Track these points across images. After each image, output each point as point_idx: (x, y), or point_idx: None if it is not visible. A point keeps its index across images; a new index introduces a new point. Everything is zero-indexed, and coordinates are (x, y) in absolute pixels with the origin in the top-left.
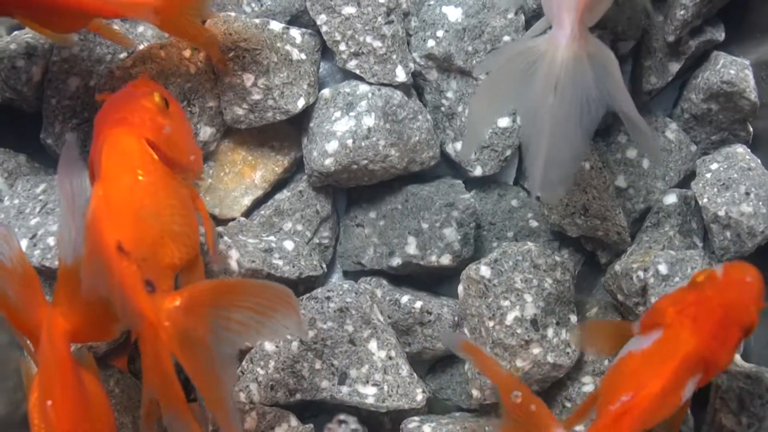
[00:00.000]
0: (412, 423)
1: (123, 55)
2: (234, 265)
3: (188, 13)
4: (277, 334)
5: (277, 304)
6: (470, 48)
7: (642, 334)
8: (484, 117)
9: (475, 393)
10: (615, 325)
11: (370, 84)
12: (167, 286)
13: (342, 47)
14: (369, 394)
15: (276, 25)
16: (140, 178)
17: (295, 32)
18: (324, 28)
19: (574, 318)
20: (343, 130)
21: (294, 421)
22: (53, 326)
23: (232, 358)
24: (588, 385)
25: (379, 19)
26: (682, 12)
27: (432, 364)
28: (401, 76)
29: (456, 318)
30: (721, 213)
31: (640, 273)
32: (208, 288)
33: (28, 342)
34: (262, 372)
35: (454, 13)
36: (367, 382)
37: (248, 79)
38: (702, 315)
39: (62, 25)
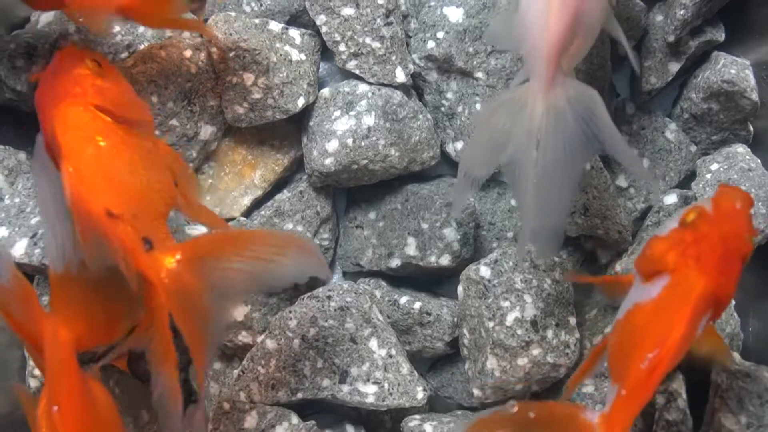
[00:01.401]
0: (413, 421)
1: (124, 55)
2: None
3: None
4: (285, 279)
5: (288, 248)
6: (471, 49)
7: (644, 283)
8: (474, 172)
9: (476, 392)
10: (610, 280)
11: (371, 84)
12: (164, 235)
13: (342, 48)
14: (369, 392)
15: (275, 26)
16: (102, 143)
17: (295, 33)
18: (324, 29)
19: (573, 320)
20: (343, 129)
21: (295, 419)
22: (56, 335)
23: (227, 311)
24: (588, 385)
25: (378, 20)
26: (682, 12)
27: (433, 362)
28: (401, 77)
29: (455, 319)
30: None
31: None
32: (212, 240)
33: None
34: (263, 371)
35: (455, 14)
36: (368, 380)
37: (248, 78)
38: (705, 253)
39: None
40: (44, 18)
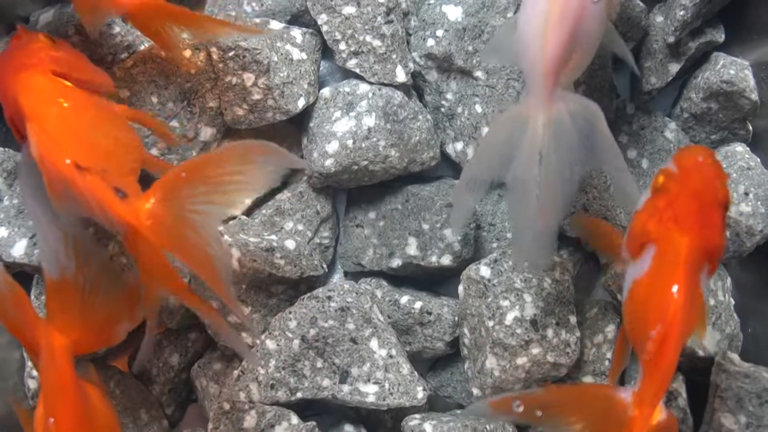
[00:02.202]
0: (413, 421)
1: (124, 56)
2: (235, 264)
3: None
4: (259, 185)
5: (257, 155)
6: (470, 47)
7: (635, 260)
8: (475, 186)
9: (476, 391)
10: (606, 230)
11: (371, 84)
12: (135, 187)
13: (342, 46)
14: (370, 392)
15: (276, 25)
16: (65, 104)
17: (296, 32)
18: (324, 28)
19: (573, 319)
20: (344, 130)
21: (295, 419)
22: (52, 342)
23: (219, 235)
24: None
25: (379, 18)
26: (681, 13)
27: (433, 362)
28: (401, 76)
29: (456, 318)
30: None
31: None
32: (177, 174)
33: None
34: (262, 371)
35: (454, 12)
36: (368, 380)
37: (248, 78)
38: (681, 212)
39: None
40: (44, 18)
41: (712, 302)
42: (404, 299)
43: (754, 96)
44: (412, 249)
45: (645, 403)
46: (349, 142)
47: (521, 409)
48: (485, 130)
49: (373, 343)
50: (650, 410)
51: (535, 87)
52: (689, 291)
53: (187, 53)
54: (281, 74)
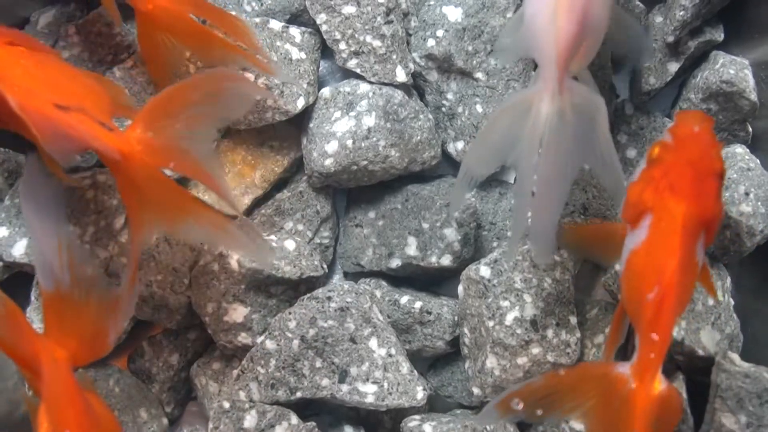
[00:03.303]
0: (413, 422)
1: (124, 56)
2: (234, 264)
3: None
4: (240, 107)
5: (225, 82)
6: (470, 48)
7: (632, 229)
8: (476, 171)
9: (476, 391)
10: (598, 228)
11: (371, 83)
12: (115, 127)
13: (342, 46)
14: (369, 392)
15: (276, 24)
16: (28, 62)
17: (295, 31)
18: (324, 27)
19: (573, 319)
20: (343, 130)
21: (294, 419)
22: (53, 356)
23: (211, 151)
24: None
25: (379, 18)
26: (681, 13)
27: (433, 362)
28: (401, 76)
29: (456, 318)
30: None
31: None
32: (156, 103)
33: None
34: (262, 371)
35: (454, 13)
36: (368, 379)
37: (248, 78)
38: (676, 181)
39: None
40: (44, 18)
41: (711, 302)
42: (404, 299)
43: (754, 96)
44: (411, 249)
45: (644, 374)
46: (349, 142)
47: (521, 406)
48: (480, 109)
49: (372, 343)
50: (650, 380)
51: (547, 75)
52: (686, 257)
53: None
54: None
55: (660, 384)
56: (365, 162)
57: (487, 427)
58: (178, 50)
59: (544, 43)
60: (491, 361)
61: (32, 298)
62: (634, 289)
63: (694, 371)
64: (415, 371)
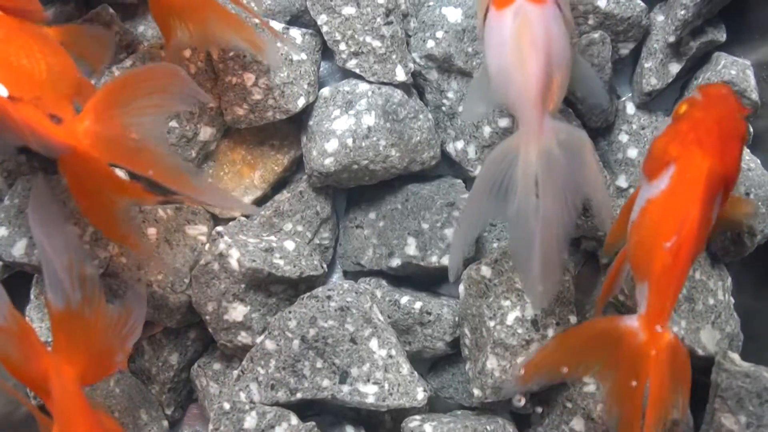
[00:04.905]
0: (414, 422)
1: (123, 55)
2: (234, 263)
3: None
4: (179, 102)
5: (167, 79)
6: (470, 49)
7: (650, 181)
8: (474, 225)
9: (477, 392)
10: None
11: (371, 83)
12: (71, 112)
13: (342, 47)
14: (370, 393)
15: (276, 25)
16: None
17: (296, 32)
18: (324, 28)
19: (573, 319)
20: (343, 128)
21: (294, 420)
22: (62, 373)
23: (163, 138)
24: (589, 385)
25: (378, 19)
26: (682, 12)
27: (433, 363)
28: (401, 75)
29: (456, 318)
30: None
31: None
32: (104, 95)
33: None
34: (262, 371)
35: (453, 14)
36: (368, 380)
37: (249, 78)
38: (704, 136)
39: None
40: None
41: (711, 302)
42: (404, 299)
43: (755, 96)
44: (411, 249)
45: (654, 324)
46: (349, 141)
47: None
48: (486, 129)
49: (373, 343)
50: (661, 329)
51: (526, 119)
52: (705, 210)
53: (187, 53)
54: (281, 74)
55: (669, 334)
56: (366, 161)
57: (488, 427)
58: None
59: (517, 88)
60: (492, 363)
61: (31, 296)
62: (648, 237)
63: (694, 371)
64: (416, 372)
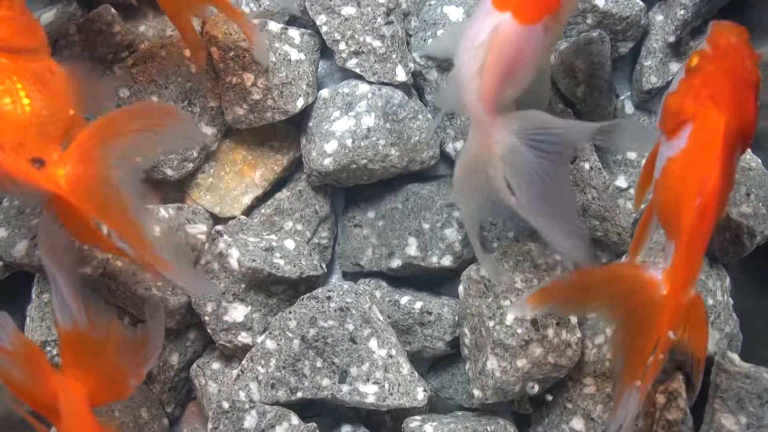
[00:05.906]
0: (414, 422)
1: (124, 54)
2: (234, 263)
3: None
4: (175, 142)
5: (164, 117)
6: None
7: (669, 139)
8: (475, 215)
9: (476, 393)
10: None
11: (371, 83)
12: (56, 154)
13: (342, 46)
14: (370, 392)
15: (274, 26)
16: None
17: (294, 32)
18: (324, 29)
19: (574, 318)
20: (343, 129)
21: (295, 420)
22: (70, 392)
23: (141, 190)
24: (589, 386)
25: (379, 19)
26: (682, 12)
27: (433, 363)
28: (401, 75)
29: (456, 318)
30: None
31: None
32: (90, 134)
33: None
34: (262, 371)
35: (455, 13)
36: (368, 380)
37: (248, 78)
38: (717, 90)
39: None
40: (45, 18)
41: (710, 302)
42: (404, 299)
43: None
44: (412, 249)
45: (677, 280)
46: (348, 141)
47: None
48: None
49: (373, 343)
50: (683, 287)
51: (477, 117)
52: (726, 167)
53: (188, 53)
54: (280, 74)
55: (691, 292)
56: (365, 161)
57: (488, 428)
58: None
59: (468, 98)
60: (491, 363)
61: (33, 296)
62: (672, 197)
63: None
64: (416, 372)
